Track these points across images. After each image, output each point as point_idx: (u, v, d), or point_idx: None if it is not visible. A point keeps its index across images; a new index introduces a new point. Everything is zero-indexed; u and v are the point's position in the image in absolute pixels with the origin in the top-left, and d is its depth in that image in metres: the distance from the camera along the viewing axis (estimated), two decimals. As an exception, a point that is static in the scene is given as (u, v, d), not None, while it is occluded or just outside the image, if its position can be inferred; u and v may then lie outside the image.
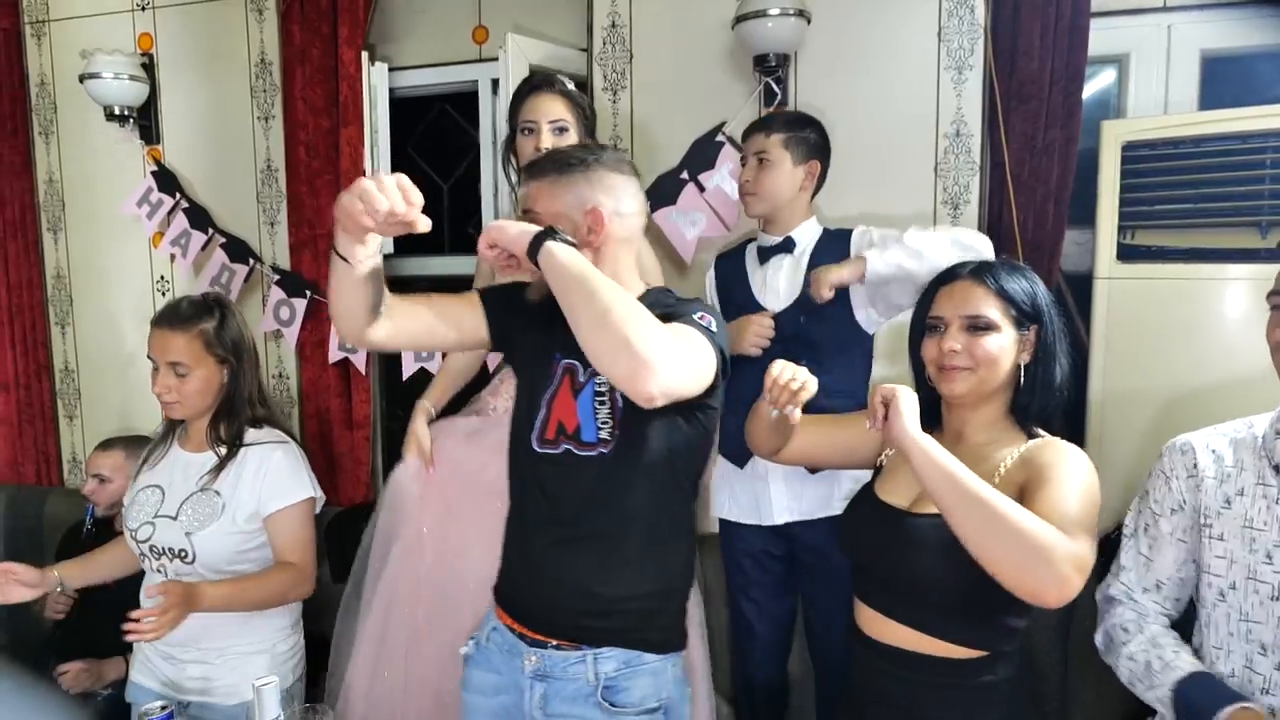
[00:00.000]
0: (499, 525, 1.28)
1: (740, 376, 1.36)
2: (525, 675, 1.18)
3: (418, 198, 0.96)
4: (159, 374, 1.53)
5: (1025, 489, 1.05)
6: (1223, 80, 1.84)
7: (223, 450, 1.55)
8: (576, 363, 1.17)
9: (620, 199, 1.16)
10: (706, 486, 1.72)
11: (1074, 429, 1.72)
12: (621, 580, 1.15)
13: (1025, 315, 1.15)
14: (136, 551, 1.56)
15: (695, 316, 1.09)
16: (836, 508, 1.57)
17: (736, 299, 1.65)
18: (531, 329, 1.22)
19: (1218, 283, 1.61)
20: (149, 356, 1.55)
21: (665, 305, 1.15)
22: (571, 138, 1.58)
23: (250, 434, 1.57)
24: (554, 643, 1.17)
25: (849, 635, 1.24)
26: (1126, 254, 1.69)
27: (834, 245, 1.61)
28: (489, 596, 1.29)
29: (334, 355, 2.19)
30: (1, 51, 2.46)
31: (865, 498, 1.24)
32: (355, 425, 2.21)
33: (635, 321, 0.97)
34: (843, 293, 1.54)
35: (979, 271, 1.17)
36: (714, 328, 1.10)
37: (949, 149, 1.81)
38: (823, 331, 1.57)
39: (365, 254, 1.04)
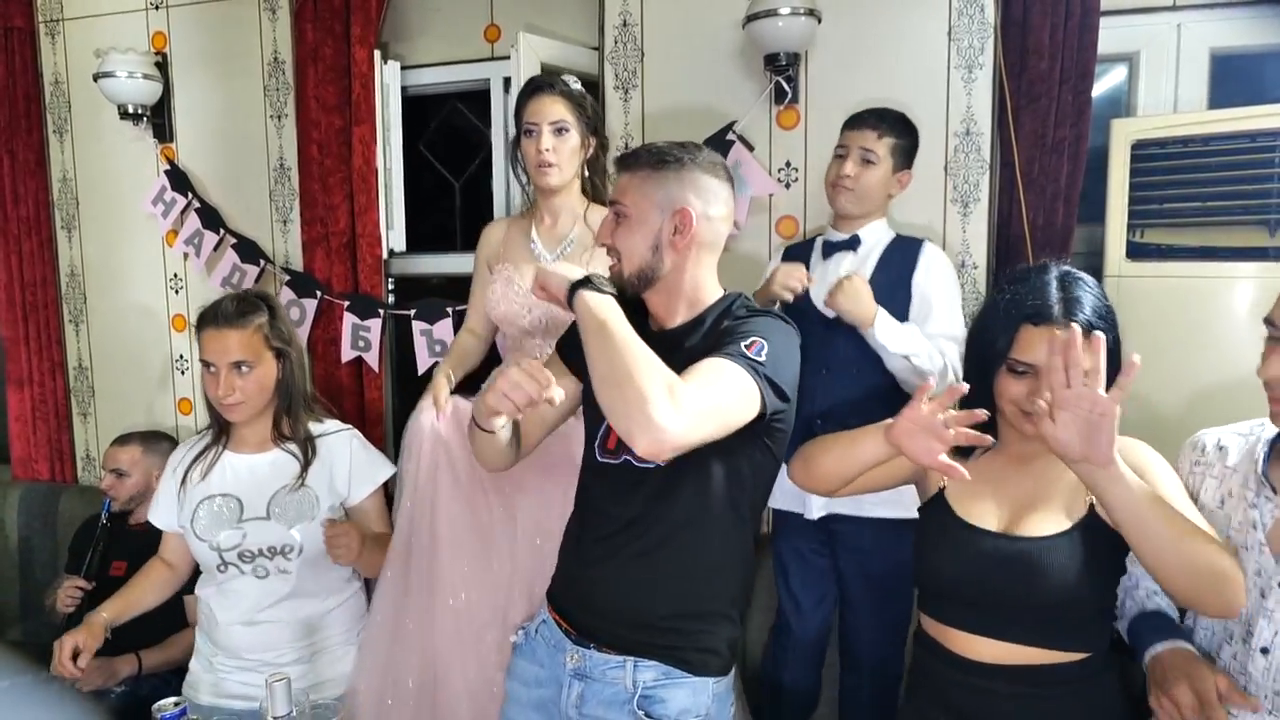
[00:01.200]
0: (489, 517, 1.32)
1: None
2: (566, 672, 1.19)
3: (545, 376, 1.07)
4: (220, 377, 1.50)
5: None
6: (1232, 79, 1.84)
7: (294, 447, 1.57)
8: None
9: (710, 202, 1.14)
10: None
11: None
12: (661, 598, 1.13)
13: (1109, 345, 1.06)
14: (215, 562, 1.54)
15: (744, 346, 1.05)
16: (869, 508, 1.55)
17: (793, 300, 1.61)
18: None
19: (1226, 281, 1.62)
20: (203, 361, 1.52)
21: (734, 318, 1.13)
22: (573, 138, 1.59)
23: (314, 426, 1.61)
24: (593, 644, 1.17)
25: (922, 652, 1.20)
26: (1136, 252, 1.70)
27: (902, 252, 1.60)
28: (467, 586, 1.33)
29: (347, 355, 2.20)
30: (16, 50, 2.48)
31: (950, 523, 1.16)
32: (369, 422, 2.23)
33: (647, 381, 0.97)
34: (906, 296, 1.56)
35: (1070, 312, 1.07)
36: (764, 355, 1.05)
37: (959, 147, 1.82)
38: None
39: (501, 423, 1.18)
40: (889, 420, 1.06)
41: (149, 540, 1.71)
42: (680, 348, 1.14)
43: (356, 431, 1.65)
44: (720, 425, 1.01)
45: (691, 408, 0.97)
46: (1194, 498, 1.17)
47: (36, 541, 2.47)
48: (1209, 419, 1.61)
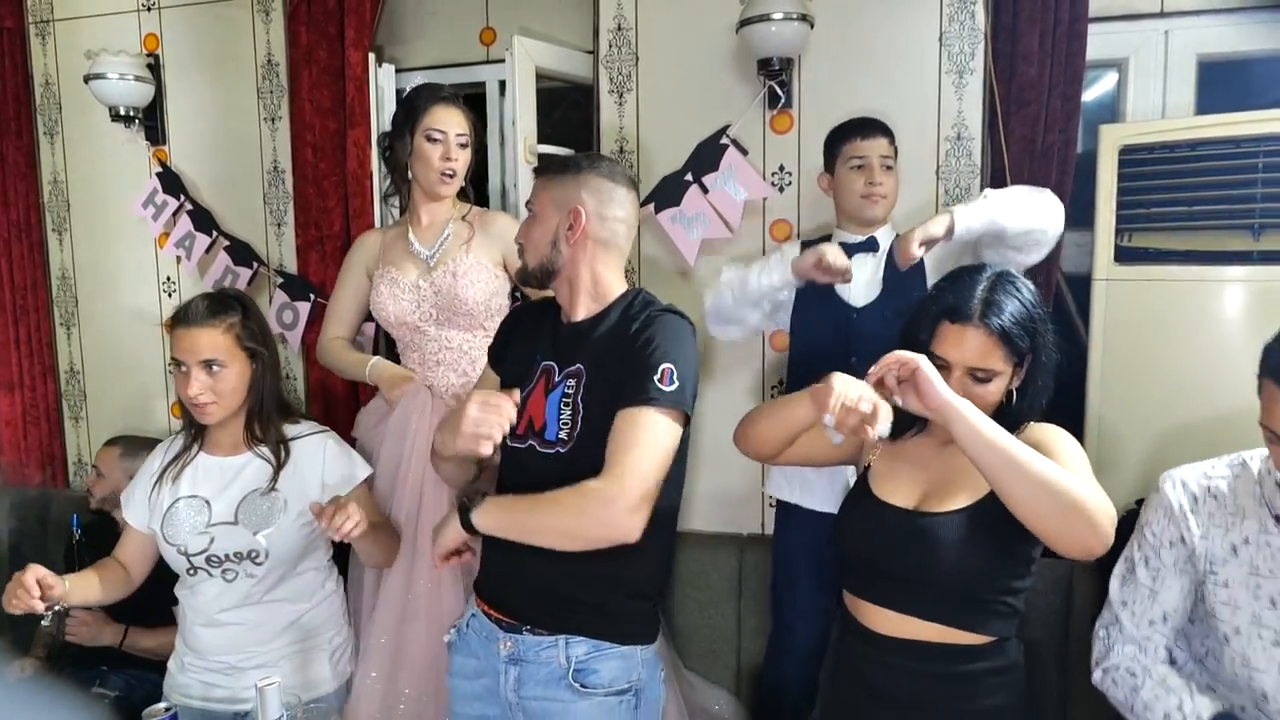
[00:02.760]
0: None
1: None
2: (500, 659, 1.24)
3: (505, 407, 1.17)
4: (189, 376, 1.48)
5: None
6: (1219, 85, 1.87)
7: (266, 450, 1.55)
8: (554, 364, 1.26)
9: (605, 203, 1.24)
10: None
11: (1073, 427, 1.73)
12: (578, 577, 1.19)
13: (1022, 350, 1.15)
14: (184, 565, 1.53)
15: (657, 381, 1.14)
16: None
17: (819, 292, 1.64)
18: (517, 339, 1.34)
19: (1212, 284, 1.64)
20: (174, 359, 1.51)
21: (636, 315, 1.22)
22: (469, 152, 1.75)
23: (289, 429, 1.58)
24: (526, 628, 1.22)
25: (841, 630, 1.26)
26: (1124, 256, 1.72)
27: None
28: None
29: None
30: (5, 51, 2.47)
31: (865, 499, 1.25)
32: (362, 425, 2.23)
33: (572, 521, 1.13)
34: (922, 283, 1.57)
35: (986, 314, 1.14)
36: (675, 381, 1.14)
37: (950, 152, 1.83)
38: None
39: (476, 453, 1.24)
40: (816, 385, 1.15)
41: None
42: (588, 338, 1.25)
43: (333, 434, 1.63)
44: (660, 471, 1.14)
45: (627, 482, 1.11)
46: (1190, 546, 1.15)
47: (27, 547, 2.45)
48: (1196, 419, 1.64)
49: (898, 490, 1.22)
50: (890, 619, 1.18)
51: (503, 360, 1.36)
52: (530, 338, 1.32)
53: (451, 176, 1.72)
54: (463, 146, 1.73)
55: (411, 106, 1.73)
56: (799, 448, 1.30)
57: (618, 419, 1.15)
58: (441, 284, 1.70)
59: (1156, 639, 1.18)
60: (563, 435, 1.21)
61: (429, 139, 1.70)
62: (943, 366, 1.16)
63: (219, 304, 1.52)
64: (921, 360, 1.07)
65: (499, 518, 1.19)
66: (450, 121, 1.70)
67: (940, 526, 1.15)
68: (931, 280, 1.55)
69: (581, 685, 1.19)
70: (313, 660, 1.57)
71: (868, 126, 1.66)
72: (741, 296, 1.67)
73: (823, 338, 1.64)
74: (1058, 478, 1.02)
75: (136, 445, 2.13)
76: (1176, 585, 1.17)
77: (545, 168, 1.29)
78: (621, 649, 1.22)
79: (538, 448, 1.23)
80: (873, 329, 1.58)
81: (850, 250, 1.65)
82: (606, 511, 1.10)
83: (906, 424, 1.22)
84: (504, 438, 1.21)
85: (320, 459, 1.57)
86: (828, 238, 1.71)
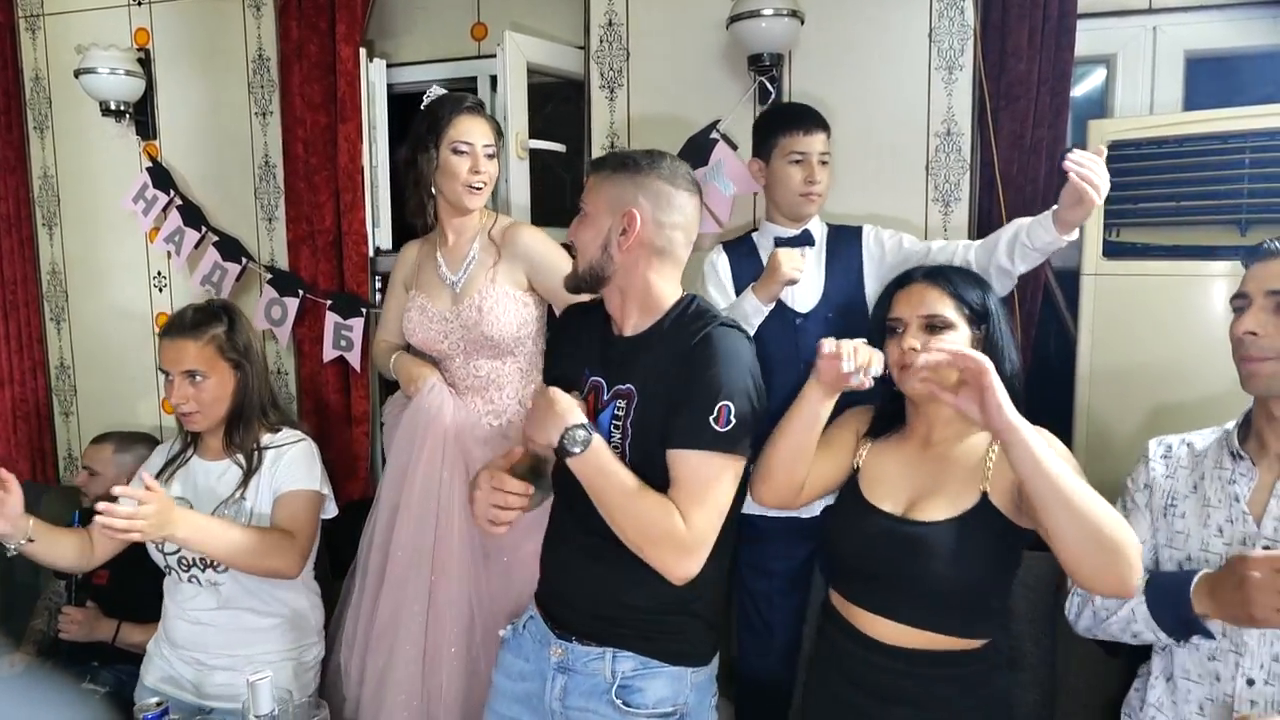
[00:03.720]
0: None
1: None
2: (550, 666, 1.21)
3: (514, 491, 1.16)
4: (174, 385, 1.53)
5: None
6: (1206, 81, 1.88)
7: (242, 459, 1.57)
8: (602, 381, 1.20)
9: (663, 208, 1.16)
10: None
11: (1063, 419, 1.76)
12: (632, 592, 1.15)
13: (977, 315, 1.21)
14: (163, 564, 1.57)
15: (714, 422, 1.07)
16: None
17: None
18: (567, 349, 1.30)
19: (1199, 279, 1.65)
20: (161, 369, 1.56)
21: (687, 327, 1.15)
22: (496, 163, 1.70)
23: (266, 438, 1.60)
24: (574, 637, 1.20)
25: (826, 624, 1.27)
26: (1112, 251, 1.73)
27: (845, 240, 1.66)
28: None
29: (329, 354, 2.20)
30: (-5, 46, 2.46)
31: (856, 504, 1.25)
32: (354, 420, 2.22)
33: (658, 547, 1.09)
34: (859, 282, 1.58)
35: (933, 274, 1.23)
36: (732, 419, 1.08)
37: (940, 147, 1.84)
38: (853, 326, 1.57)
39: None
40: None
41: (132, 547, 1.69)
42: (638, 355, 1.18)
43: (310, 444, 1.63)
44: (723, 518, 1.13)
45: (701, 538, 1.09)
46: (1159, 488, 1.22)
47: (17, 542, 2.44)
48: (1184, 411, 1.65)
49: (887, 494, 1.23)
50: (883, 626, 1.19)
51: (557, 379, 1.28)
52: (579, 348, 1.27)
53: (480, 189, 1.67)
54: (490, 157, 1.67)
55: (435, 119, 1.67)
56: (815, 479, 1.28)
57: (679, 459, 1.10)
58: (468, 318, 1.66)
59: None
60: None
61: (455, 151, 1.64)
62: (897, 329, 1.22)
63: (205, 316, 1.57)
64: (991, 370, 1.01)
65: (593, 477, 1.10)
66: (476, 132, 1.65)
67: (932, 535, 1.15)
68: (869, 281, 1.61)
69: (625, 703, 1.15)
70: (280, 671, 1.55)
71: (808, 120, 1.63)
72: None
73: (774, 347, 1.57)
74: (1106, 516, 1.00)
75: (130, 440, 2.13)
76: (1145, 521, 1.23)
77: (601, 163, 1.21)
78: (671, 669, 1.17)
79: None
80: (818, 331, 1.53)
81: (785, 244, 1.65)
82: (674, 557, 1.10)
83: (886, 422, 1.23)
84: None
85: (279, 460, 1.57)
86: (753, 231, 1.74)
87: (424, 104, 1.74)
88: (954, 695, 1.17)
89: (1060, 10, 1.74)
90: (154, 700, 1.38)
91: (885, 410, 1.31)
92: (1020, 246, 1.43)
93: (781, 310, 1.61)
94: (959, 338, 1.20)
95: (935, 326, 1.20)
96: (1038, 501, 1.02)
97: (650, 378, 1.15)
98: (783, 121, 1.66)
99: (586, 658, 1.18)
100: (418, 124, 1.71)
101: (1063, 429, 1.74)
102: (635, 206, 1.15)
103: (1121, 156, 1.71)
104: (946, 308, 1.21)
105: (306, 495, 1.58)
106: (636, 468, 1.13)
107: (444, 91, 1.76)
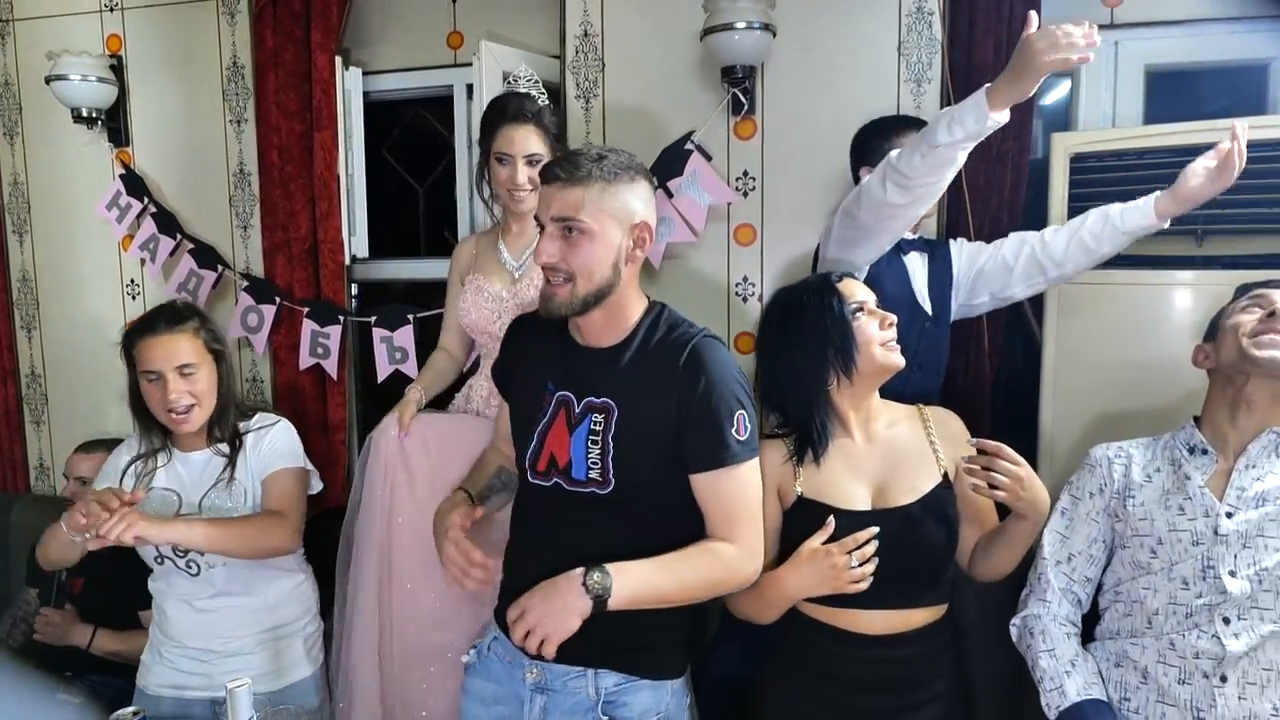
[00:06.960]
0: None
1: None
2: (526, 687, 1.19)
3: (475, 561, 1.22)
4: (166, 384, 1.50)
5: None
6: (1167, 95, 1.93)
7: (226, 447, 1.59)
8: (571, 396, 1.16)
9: (651, 211, 1.15)
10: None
11: (1027, 424, 1.80)
12: (611, 616, 1.10)
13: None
14: (153, 555, 1.57)
15: (734, 434, 1.11)
16: None
17: (889, 289, 1.56)
18: (523, 362, 1.25)
19: (1158, 288, 1.70)
20: (146, 372, 1.52)
21: (664, 337, 1.15)
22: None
23: (243, 424, 1.63)
24: (554, 658, 1.14)
25: (815, 640, 1.27)
26: (1075, 260, 1.77)
27: (940, 254, 1.72)
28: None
29: (305, 362, 2.19)
30: (-37, 51, 2.43)
31: (820, 515, 1.22)
32: (331, 428, 2.22)
33: (719, 584, 1.15)
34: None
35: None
36: (748, 426, 1.13)
37: (909, 158, 1.87)
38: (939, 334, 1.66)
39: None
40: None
41: (108, 554, 1.68)
42: (613, 368, 1.15)
43: (285, 422, 1.67)
44: (761, 513, 1.18)
45: (755, 546, 1.16)
46: (1112, 489, 1.33)
47: (-12, 551, 2.41)
48: (1143, 413, 1.69)
49: (848, 493, 1.25)
50: (876, 618, 1.23)
51: (509, 390, 1.27)
52: (535, 362, 1.21)
53: (525, 195, 1.65)
54: (532, 164, 1.63)
55: (485, 125, 1.69)
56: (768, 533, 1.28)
57: (707, 483, 1.12)
58: (525, 296, 1.66)
59: (1062, 580, 1.34)
60: (594, 475, 1.13)
61: (498, 160, 1.66)
62: (860, 309, 1.27)
63: (178, 312, 1.58)
64: (1028, 468, 1.19)
65: (636, 591, 1.09)
66: (516, 142, 1.63)
67: (914, 515, 1.22)
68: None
69: (610, 718, 1.15)
70: (289, 647, 1.61)
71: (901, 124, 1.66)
72: (931, 156, 1.30)
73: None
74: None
75: (118, 445, 2.10)
76: (1084, 531, 1.34)
77: (587, 174, 1.08)
78: (652, 682, 1.18)
79: (566, 486, 1.16)
80: (918, 332, 1.60)
81: (909, 246, 1.67)
82: (741, 579, 1.15)
83: (809, 438, 1.26)
84: (527, 474, 1.19)
85: (263, 441, 1.60)
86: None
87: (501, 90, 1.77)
88: (922, 675, 1.25)
89: (1025, 25, 1.77)
90: (130, 710, 1.37)
91: (804, 431, 1.28)
92: (1110, 229, 1.51)
93: (911, 304, 1.61)
94: None
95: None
96: (1017, 545, 1.26)
97: (632, 392, 1.13)
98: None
99: (566, 677, 1.17)
100: (483, 119, 1.72)
101: (1028, 432, 1.78)
102: (645, 218, 1.12)
103: (1084, 168, 1.75)
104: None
105: (293, 473, 1.61)
106: (620, 480, 1.12)
107: (524, 76, 1.75)
